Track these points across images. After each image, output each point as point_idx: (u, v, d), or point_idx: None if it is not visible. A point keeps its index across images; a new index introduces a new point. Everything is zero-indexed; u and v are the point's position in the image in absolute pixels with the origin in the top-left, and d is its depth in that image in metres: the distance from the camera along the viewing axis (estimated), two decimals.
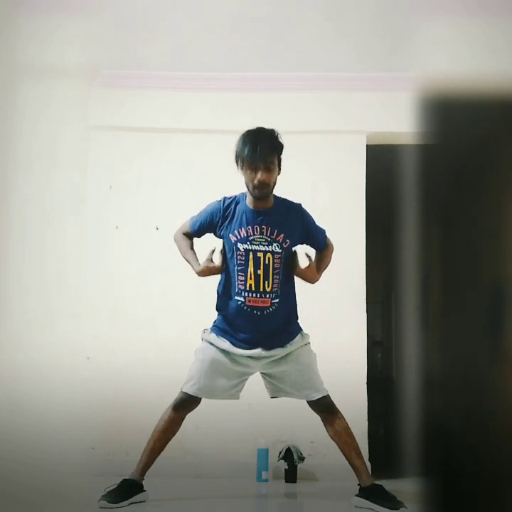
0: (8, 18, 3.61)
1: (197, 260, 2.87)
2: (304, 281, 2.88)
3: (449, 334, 1.34)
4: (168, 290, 3.69)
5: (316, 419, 2.86)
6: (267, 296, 2.73)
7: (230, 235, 2.77)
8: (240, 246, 2.74)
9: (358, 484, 2.80)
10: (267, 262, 2.73)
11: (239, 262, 2.74)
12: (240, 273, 2.74)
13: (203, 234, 2.89)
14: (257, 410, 3.45)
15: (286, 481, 3.39)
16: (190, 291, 3.55)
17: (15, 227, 3.69)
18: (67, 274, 3.68)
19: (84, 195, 3.79)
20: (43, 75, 3.80)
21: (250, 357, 2.77)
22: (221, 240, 2.83)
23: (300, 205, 2.86)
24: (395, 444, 4.23)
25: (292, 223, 2.80)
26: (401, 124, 3.57)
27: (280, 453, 3.40)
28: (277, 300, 2.75)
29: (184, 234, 2.93)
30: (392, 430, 4.60)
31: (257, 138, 2.70)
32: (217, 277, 2.83)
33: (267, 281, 2.73)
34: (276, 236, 2.75)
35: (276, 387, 2.88)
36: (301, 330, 2.86)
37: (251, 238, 2.74)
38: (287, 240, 2.77)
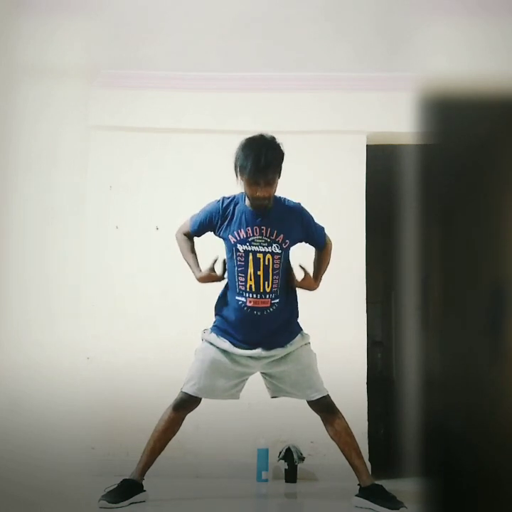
0: (8, 18, 3.61)
1: (198, 265, 2.88)
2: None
3: (449, 334, 1.34)
4: (168, 290, 3.69)
5: (316, 419, 2.86)
6: (267, 296, 2.73)
7: (230, 236, 2.76)
8: (240, 247, 2.74)
9: (358, 484, 2.80)
10: (266, 263, 2.73)
11: (239, 263, 2.74)
12: (240, 274, 2.74)
13: (203, 233, 2.90)
14: (257, 410, 3.45)
15: (286, 481, 3.39)
16: (190, 291, 3.54)
17: (15, 227, 3.69)
18: (67, 274, 3.68)
19: (84, 195, 3.78)
20: (43, 75, 3.80)
21: (250, 357, 2.77)
22: (221, 241, 2.83)
23: (299, 204, 2.86)
24: (395, 444, 4.23)
25: (292, 223, 2.80)
26: (401, 124, 3.57)
27: (280, 453, 3.40)
28: (277, 300, 2.75)
29: (185, 234, 2.93)
30: (392, 430, 4.60)
31: (258, 152, 2.64)
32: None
33: (267, 282, 2.73)
34: (276, 237, 2.74)
35: (276, 387, 2.88)
36: (301, 330, 2.86)
37: (250, 239, 2.74)
38: (287, 241, 2.76)
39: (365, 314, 3.69)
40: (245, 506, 2.96)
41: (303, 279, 2.86)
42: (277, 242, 2.74)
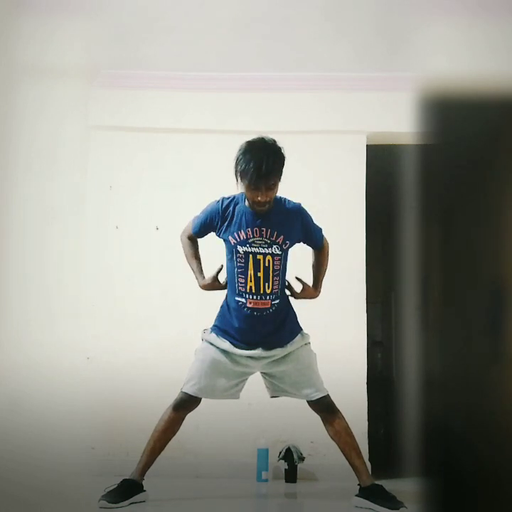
0: (8, 18, 3.61)
1: (202, 272, 2.90)
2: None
3: (449, 334, 1.34)
4: (168, 290, 3.68)
5: (316, 419, 2.86)
6: (268, 297, 2.73)
7: (230, 237, 2.76)
8: (240, 248, 2.74)
9: (358, 484, 2.79)
10: (266, 265, 2.73)
11: (239, 264, 2.74)
12: (240, 275, 2.74)
13: (206, 234, 2.90)
14: (257, 410, 3.45)
15: (286, 481, 3.39)
16: (190, 291, 3.53)
17: (15, 227, 3.69)
18: (67, 274, 3.68)
19: (84, 195, 3.78)
20: (43, 75, 3.80)
21: (250, 357, 2.77)
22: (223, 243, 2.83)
23: (299, 204, 2.85)
24: (395, 444, 4.24)
25: (292, 224, 2.80)
26: (401, 124, 3.57)
27: (280, 453, 3.40)
28: (277, 301, 2.75)
29: (189, 238, 2.93)
30: (392, 430, 4.60)
31: (259, 158, 2.62)
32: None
33: (267, 284, 2.72)
34: (276, 238, 2.74)
35: (276, 387, 2.88)
36: (301, 330, 2.86)
37: (251, 241, 2.73)
38: (287, 242, 2.76)
39: (365, 314, 3.68)
40: (245, 506, 2.96)
41: (302, 290, 2.88)
42: (277, 244, 2.74)
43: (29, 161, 3.76)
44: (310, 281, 2.93)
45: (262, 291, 2.72)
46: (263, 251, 2.73)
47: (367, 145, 3.82)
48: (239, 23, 3.62)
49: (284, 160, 2.70)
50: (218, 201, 2.83)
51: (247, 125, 3.64)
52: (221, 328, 2.80)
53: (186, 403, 2.80)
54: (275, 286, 2.74)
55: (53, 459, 3.18)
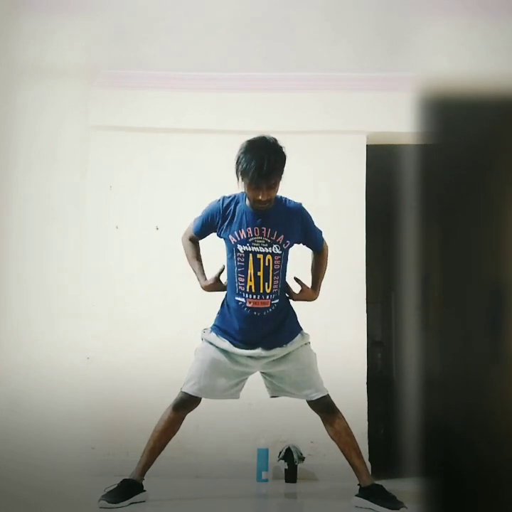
0: (8, 18, 3.61)
1: (203, 273, 2.90)
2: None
3: (449, 334, 1.34)
4: (168, 290, 3.68)
5: (316, 419, 2.86)
6: (267, 297, 2.73)
7: (230, 236, 2.76)
8: (240, 247, 2.74)
9: (358, 484, 2.79)
10: (266, 264, 2.73)
11: (239, 263, 2.74)
12: (239, 274, 2.74)
13: (207, 234, 2.89)
14: (257, 410, 3.45)
15: (286, 481, 3.39)
16: (190, 291, 3.53)
17: (15, 227, 3.69)
18: (67, 274, 3.68)
19: (84, 195, 3.78)
20: (43, 75, 3.80)
21: (250, 357, 2.76)
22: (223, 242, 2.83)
23: (300, 204, 2.85)
24: (395, 444, 4.23)
25: (292, 223, 2.80)
26: (401, 124, 3.57)
27: (280, 453, 3.40)
28: (277, 301, 2.75)
29: (190, 239, 2.93)
30: (392, 430, 4.60)
31: (261, 156, 2.62)
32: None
33: (267, 283, 2.72)
34: (276, 237, 2.74)
35: (276, 387, 2.87)
36: (301, 329, 2.86)
37: (251, 240, 2.73)
38: (287, 241, 2.76)
39: (365, 314, 3.68)
40: (245, 506, 2.96)
41: (301, 292, 2.88)
42: (278, 243, 2.74)
43: (29, 161, 3.76)
44: (309, 283, 2.93)
45: (261, 291, 2.72)
46: (263, 250, 2.73)
47: (367, 145, 3.81)
48: (239, 23, 3.62)
49: (285, 159, 2.70)
50: (219, 200, 2.83)
51: (247, 125, 3.64)
52: (221, 327, 2.80)
53: (186, 403, 2.80)
54: (275, 286, 2.74)
55: (53, 459, 3.18)
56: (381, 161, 3.80)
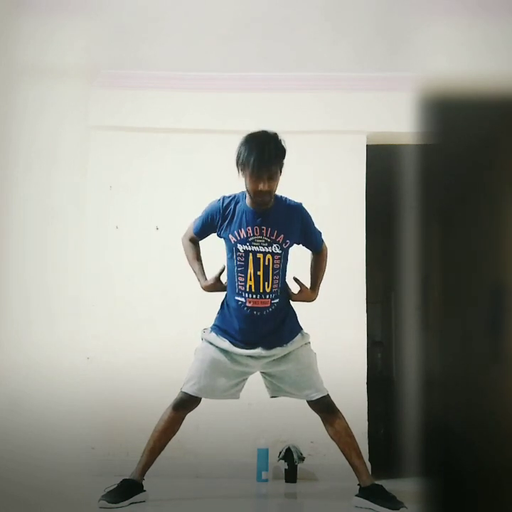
0: (8, 18, 3.61)
1: (204, 274, 2.90)
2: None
3: (449, 334, 1.34)
4: (168, 290, 3.68)
5: (316, 419, 2.86)
6: (267, 296, 2.73)
7: (230, 236, 2.76)
8: (240, 247, 2.74)
9: (358, 484, 2.79)
10: (266, 263, 2.73)
11: (239, 262, 2.74)
12: (239, 274, 2.74)
13: (207, 235, 2.90)
14: (257, 410, 3.45)
15: (286, 481, 3.39)
16: (190, 291, 3.54)
17: (15, 227, 3.69)
18: (67, 274, 3.68)
19: (84, 195, 3.78)
20: (43, 75, 3.80)
21: (250, 356, 2.76)
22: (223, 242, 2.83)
23: (300, 204, 2.85)
24: (395, 444, 4.23)
25: (292, 223, 2.80)
26: (401, 124, 3.57)
27: (280, 453, 3.40)
28: (277, 300, 2.75)
29: (190, 240, 2.94)
30: (392, 430, 4.60)
31: (261, 146, 2.64)
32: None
33: (266, 282, 2.72)
34: (276, 237, 2.74)
35: (276, 387, 2.87)
36: (302, 329, 2.86)
37: (251, 239, 2.73)
38: (287, 241, 2.76)
39: (365, 314, 3.68)
40: (245, 506, 2.96)
41: (300, 292, 2.88)
42: (278, 242, 2.74)
43: (29, 161, 3.76)
44: (308, 284, 2.93)
45: (261, 290, 2.72)
46: (263, 250, 2.73)
47: (367, 145, 3.82)
48: (239, 23, 3.62)
49: (285, 152, 2.71)
50: (219, 200, 2.83)
51: (247, 125, 3.61)
52: (221, 327, 2.80)
53: (186, 403, 2.80)
54: (275, 285, 2.74)
55: (53, 459, 3.18)
56: (381, 161, 3.80)
